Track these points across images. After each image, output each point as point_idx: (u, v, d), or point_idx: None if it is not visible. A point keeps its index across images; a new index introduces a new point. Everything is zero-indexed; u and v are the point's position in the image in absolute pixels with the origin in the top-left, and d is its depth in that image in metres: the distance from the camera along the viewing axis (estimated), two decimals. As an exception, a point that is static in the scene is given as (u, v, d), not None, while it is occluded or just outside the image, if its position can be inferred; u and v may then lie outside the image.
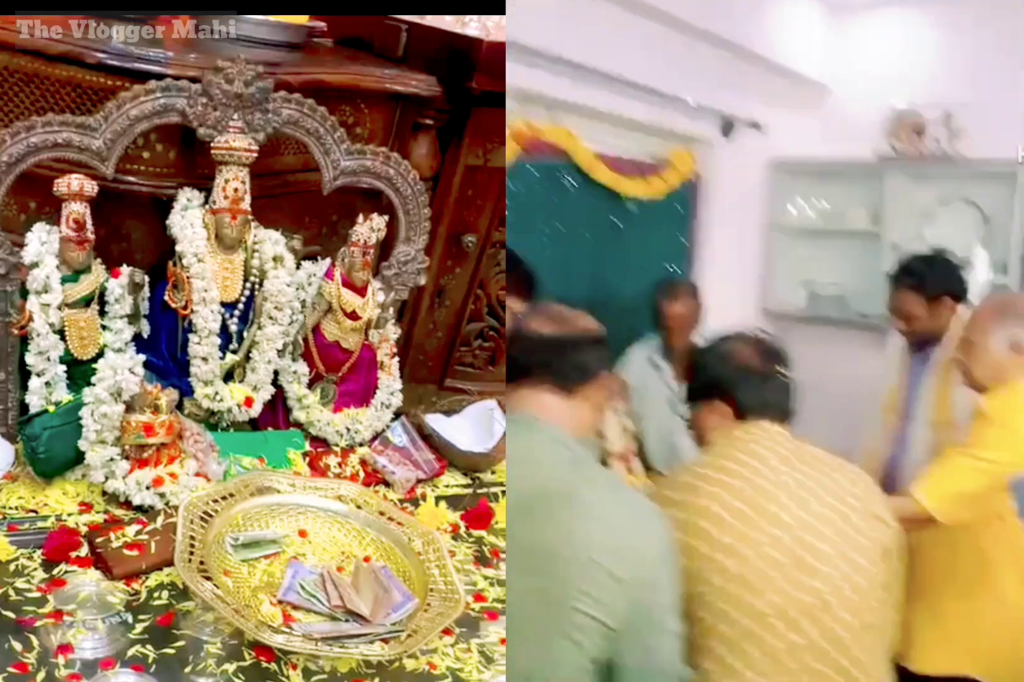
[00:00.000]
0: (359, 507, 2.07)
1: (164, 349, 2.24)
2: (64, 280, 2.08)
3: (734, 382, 1.76)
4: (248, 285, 2.28)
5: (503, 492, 2.26)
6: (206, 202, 2.21)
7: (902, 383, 2.94)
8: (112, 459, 1.97)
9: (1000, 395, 2.29)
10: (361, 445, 2.38)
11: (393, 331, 2.48)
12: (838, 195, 4.30)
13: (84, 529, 1.91)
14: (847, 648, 1.64)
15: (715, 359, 1.81)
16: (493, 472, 2.39)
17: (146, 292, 2.20)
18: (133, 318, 2.18)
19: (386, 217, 2.32)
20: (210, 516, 1.91)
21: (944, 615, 2.48)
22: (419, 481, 2.29)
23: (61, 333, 2.09)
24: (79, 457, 1.98)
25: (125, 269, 2.15)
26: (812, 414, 3.74)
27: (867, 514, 1.69)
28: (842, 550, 1.64)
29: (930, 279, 2.81)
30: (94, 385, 1.96)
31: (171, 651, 1.66)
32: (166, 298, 2.21)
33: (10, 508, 1.93)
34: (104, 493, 2.00)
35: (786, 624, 1.61)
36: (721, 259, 4.12)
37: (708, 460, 1.75)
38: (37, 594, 1.73)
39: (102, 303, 2.14)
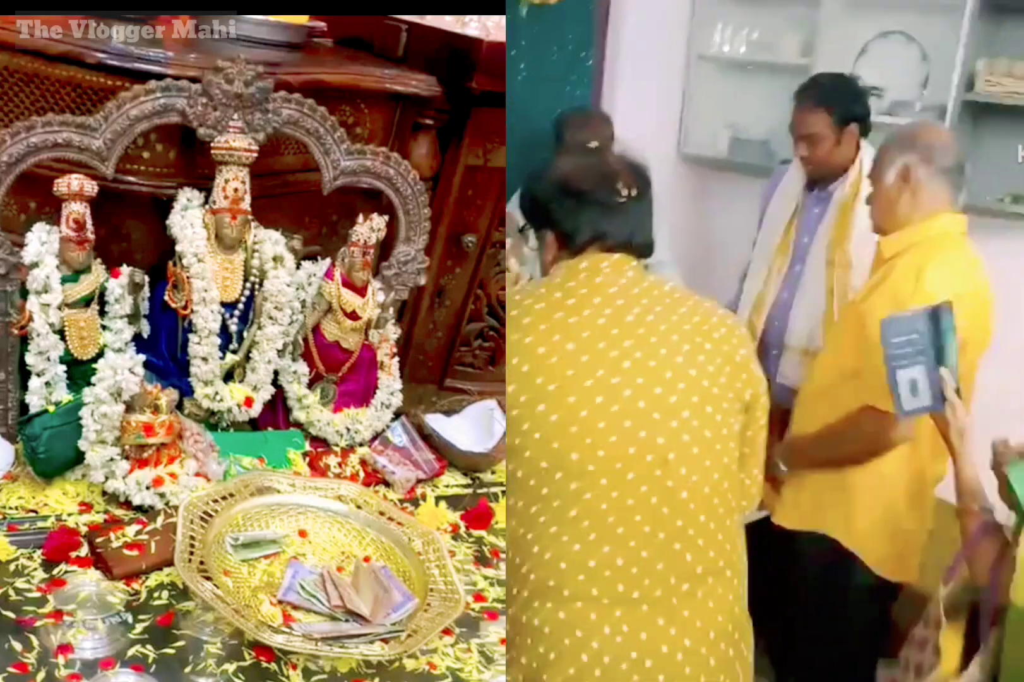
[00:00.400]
0: (359, 507, 2.07)
1: (164, 349, 2.24)
2: (64, 280, 2.07)
3: (560, 209, 1.50)
4: (248, 285, 2.28)
5: (503, 492, 2.25)
6: (206, 202, 2.21)
7: (797, 223, 2.79)
8: (112, 459, 1.97)
9: (893, 239, 2.17)
10: (361, 445, 2.37)
11: (393, 331, 2.48)
12: (767, 23, 3.76)
13: (84, 529, 1.90)
14: (686, 509, 1.45)
15: (542, 182, 1.54)
16: (493, 472, 2.39)
17: (146, 292, 2.19)
18: (133, 318, 2.18)
19: (386, 217, 2.32)
20: (210, 516, 1.91)
21: (814, 479, 2.29)
22: (419, 481, 2.29)
23: (61, 333, 2.09)
24: (79, 457, 1.97)
25: (125, 269, 2.14)
26: (723, 264, 3.52)
27: (727, 362, 1.49)
28: (690, 401, 1.44)
29: (841, 97, 2.64)
30: (94, 385, 1.96)
31: (171, 651, 1.66)
32: (166, 298, 2.21)
33: (10, 508, 1.93)
34: (104, 493, 2.00)
35: (614, 482, 1.41)
36: (635, 90, 3.60)
37: (541, 294, 1.50)
38: (37, 594, 1.73)
39: (102, 303, 2.14)
